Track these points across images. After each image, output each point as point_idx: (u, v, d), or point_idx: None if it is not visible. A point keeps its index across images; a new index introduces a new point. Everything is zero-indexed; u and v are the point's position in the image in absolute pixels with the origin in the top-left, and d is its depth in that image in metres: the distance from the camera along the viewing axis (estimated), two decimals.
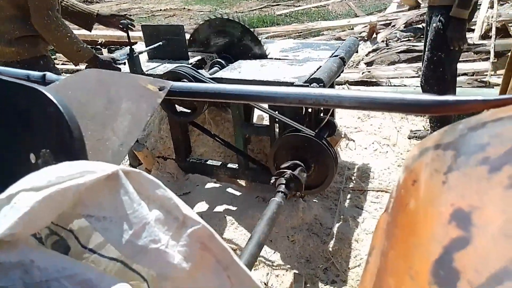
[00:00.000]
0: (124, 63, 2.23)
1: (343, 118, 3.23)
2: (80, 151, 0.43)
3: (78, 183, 0.37)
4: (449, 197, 0.28)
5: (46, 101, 0.43)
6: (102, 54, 2.68)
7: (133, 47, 2.15)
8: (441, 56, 2.43)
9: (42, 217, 0.36)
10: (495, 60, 3.61)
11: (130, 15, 7.59)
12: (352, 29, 5.28)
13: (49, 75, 0.82)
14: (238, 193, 2.43)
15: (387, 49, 4.23)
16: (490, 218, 0.24)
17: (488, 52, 3.75)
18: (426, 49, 2.54)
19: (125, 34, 2.19)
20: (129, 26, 2.21)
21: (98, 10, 2.42)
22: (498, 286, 0.20)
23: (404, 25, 4.66)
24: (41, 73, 0.84)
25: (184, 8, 8.33)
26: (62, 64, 4.87)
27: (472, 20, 4.30)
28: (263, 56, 2.37)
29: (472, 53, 3.87)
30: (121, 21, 2.26)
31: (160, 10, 8.35)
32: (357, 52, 2.66)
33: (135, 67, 2.18)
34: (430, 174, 0.34)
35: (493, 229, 0.23)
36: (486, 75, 3.50)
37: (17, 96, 0.47)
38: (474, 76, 3.54)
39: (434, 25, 2.42)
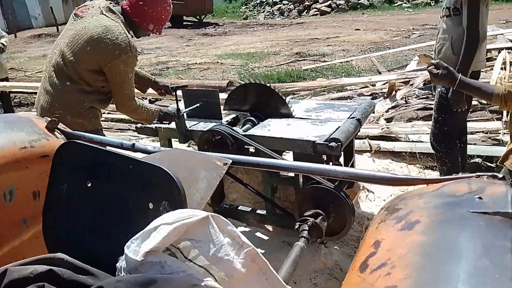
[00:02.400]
0: (169, 123, 2.62)
1: None
2: (184, 203, 0.76)
3: (189, 221, 0.70)
4: (375, 234, 0.59)
5: (165, 173, 0.77)
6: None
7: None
8: (446, 117, 2.72)
9: (171, 239, 0.69)
10: (507, 119, 3.84)
11: (168, 68, 8.19)
12: (374, 85, 5.64)
13: (137, 144, 1.18)
14: (266, 237, 2.68)
15: (406, 106, 4.55)
16: (386, 244, 0.54)
17: (501, 112, 4.00)
18: (433, 110, 2.84)
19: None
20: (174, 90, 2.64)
21: (154, 78, 2.79)
22: (379, 269, 0.50)
23: (423, 83, 4.99)
24: (131, 143, 1.19)
25: (217, 62, 8.98)
26: (108, 113, 5.38)
27: (485, 81, 4.59)
28: (289, 115, 2.70)
29: (486, 112, 4.13)
30: (170, 86, 2.67)
31: (195, 63, 9.04)
32: (373, 112, 2.98)
33: (180, 124, 2.57)
34: (375, 223, 0.65)
35: (386, 248, 0.54)
36: (499, 133, 3.73)
37: (144, 169, 0.81)
38: (488, 134, 3.77)
39: (439, 89, 2.73)
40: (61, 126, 1.32)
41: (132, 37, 2.30)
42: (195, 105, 2.68)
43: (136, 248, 0.68)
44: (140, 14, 2.32)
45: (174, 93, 2.63)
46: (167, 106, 2.92)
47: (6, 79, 5.76)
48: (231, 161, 0.94)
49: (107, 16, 2.25)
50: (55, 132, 1.29)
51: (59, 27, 21.09)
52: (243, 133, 2.43)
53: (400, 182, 0.80)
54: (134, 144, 1.20)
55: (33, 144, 1.14)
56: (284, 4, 20.13)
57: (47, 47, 15.54)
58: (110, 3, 2.36)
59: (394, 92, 4.94)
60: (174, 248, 0.76)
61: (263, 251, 2.55)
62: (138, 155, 1.09)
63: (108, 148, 0.95)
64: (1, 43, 5.38)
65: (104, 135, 2.48)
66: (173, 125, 2.61)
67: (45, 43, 17.51)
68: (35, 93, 7.27)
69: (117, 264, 0.76)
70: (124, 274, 0.69)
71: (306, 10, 19.20)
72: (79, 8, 2.37)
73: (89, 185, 0.89)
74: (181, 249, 0.75)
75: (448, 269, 0.45)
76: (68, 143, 0.91)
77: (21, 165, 1.12)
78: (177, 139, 2.65)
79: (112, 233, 0.86)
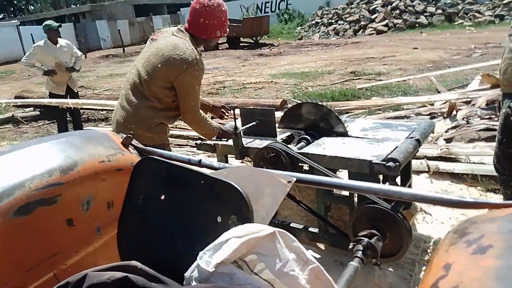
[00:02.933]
0: (227, 140, 2.73)
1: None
2: (251, 217, 0.80)
3: (257, 235, 0.74)
4: (445, 257, 0.59)
5: (233, 188, 0.82)
6: None
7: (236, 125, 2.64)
8: (511, 138, 2.58)
9: (240, 251, 0.73)
10: None
11: (225, 87, 8.41)
12: (433, 104, 5.45)
13: (204, 160, 1.25)
14: (317, 256, 2.66)
15: (467, 126, 4.35)
16: (457, 267, 0.55)
17: None
18: (497, 131, 2.71)
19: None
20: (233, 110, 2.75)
21: (212, 103, 2.94)
22: None
23: (485, 104, 4.76)
24: (197, 159, 1.27)
25: (272, 81, 9.12)
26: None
27: None
28: (344, 134, 2.68)
29: None
30: (230, 106, 2.79)
31: (251, 83, 9.23)
32: (433, 132, 2.89)
33: (237, 141, 2.65)
34: (443, 245, 0.65)
35: (457, 271, 0.54)
36: None
37: (214, 184, 0.87)
38: None
39: (503, 110, 2.60)
40: (134, 142, 1.43)
41: (201, 55, 2.48)
42: (252, 123, 2.75)
43: (208, 259, 0.72)
44: (205, 30, 2.47)
45: (232, 112, 2.73)
46: (224, 124, 3.02)
47: (77, 95, 6.25)
48: (295, 179, 0.98)
49: (176, 36, 2.46)
50: (129, 148, 1.39)
51: (125, 48, 22.55)
52: (298, 151, 2.45)
53: (469, 206, 0.79)
54: (200, 160, 1.27)
55: (110, 158, 1.25)
56: (339, 24, 20.05)
57: (114, 67, 16.63)
58: (180, 26, 2.57)
59: (454, 112, 4.75)
60: (240, 261, 0.79)
61: None
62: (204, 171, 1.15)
63: (179, 163, 1.01)
64: (73, 67, 5.88)
65: (171, 150, 2.63)
66: (230, 142, 2.70)
67: (112, 63, 18.74)
68: (103, 110, 7.78)
69: (185, 274, 0.81)
70: (195, 283, 0.74)
71: (361, 30, 18.98)
72: (155, 33, 2.63)
73: (163, 197, 0.96)
74: (248, 262, 0.79)
75: None
76: (146, 159, 0.99)
77: (99, 177, 1.22)
78: (233, 155, 2.73)
79: (181, 244, 0.91)
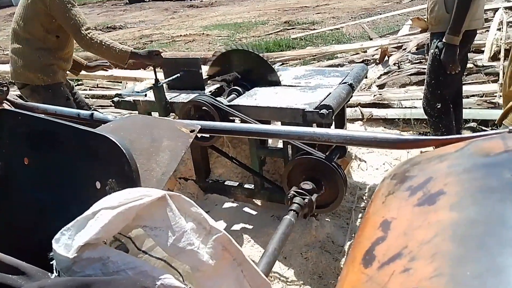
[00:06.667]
0: (145, 95, 2.44)
1: None
2: (136, 180, 0.60)
3: (139, 203, 0.54)
4: (382, 212, 0.43)
5: (111, 143, 0.60)
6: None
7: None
8: (439, 79, 2.57)
9: (115, 227, 0.53)
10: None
11: (152, 41, 7.87)
12: (365, 52, 5.44)
13: (96, 114, 1.01)
14: (254, 212, 2.57)
15: (399, 71, 4.38)
16: (399, 224, 0.39)
17: (497, 74, 3.85)
18: (426, 73, 2.69)
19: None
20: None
21: (86, 62, 2.94)
22: (391, 263, 0.35)
23: (416, 48, 4.81)
24: (89, 112, 1.02)
25: (203, 33, 8.65)
26: (89, 89, 5.19)
27: (481, 43, 4.42)
28: (277, 83, 2.54)
29: (482, 75, 3.98)
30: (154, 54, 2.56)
31: (180, 35, 8.68)
32: (366, 77, 2.81)
33: (160, 95, 2.38)
34: (379, 195, 0.49)
35: (399, 231, 0.38)
36: (495, 96, 3.60)
37: (88, 139, 0.65)
38: (484, 98, 3.64)
39: (431, 50, 2.57)
40: (11, 97, 1.14)
41: None
42: (175, 75, 2.49)
43: (68, 242, 0.52)
44: None
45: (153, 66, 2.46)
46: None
47: None
48: (199, 127, 0.78)
49: None
50: (4, 104, 1.11)
51: None
52: (227, 104, 2.26)
53: (408, 145, 0.65)
54: (93, 113, 1.03)
55: None
56: None
57: None
58: None
59: (386, 58, 4.76)
60: (124, 238, 0.60)
61: (251, 227, 2.44)
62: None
63: (45, 116, 0.77)
64: None
65: (74, 88, 2.77)
66: (152, 97, 2.43)
67: None
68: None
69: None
70: (56, 274, 0.54)
71: None
72: None
73: (27, 162, 0.73)
74: (133, 238, 0.60)
75: (500, 260, 0.30)
76: (0, 111, 0.74)
77: None
78: (157, 112, 2.48)
79: (53, 221, 0.70)
